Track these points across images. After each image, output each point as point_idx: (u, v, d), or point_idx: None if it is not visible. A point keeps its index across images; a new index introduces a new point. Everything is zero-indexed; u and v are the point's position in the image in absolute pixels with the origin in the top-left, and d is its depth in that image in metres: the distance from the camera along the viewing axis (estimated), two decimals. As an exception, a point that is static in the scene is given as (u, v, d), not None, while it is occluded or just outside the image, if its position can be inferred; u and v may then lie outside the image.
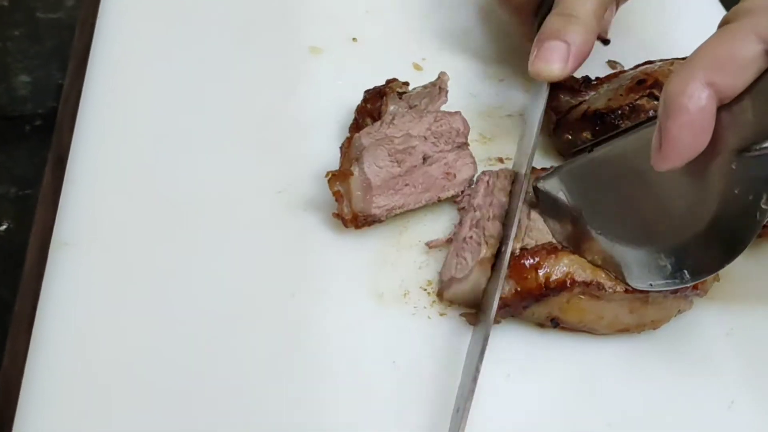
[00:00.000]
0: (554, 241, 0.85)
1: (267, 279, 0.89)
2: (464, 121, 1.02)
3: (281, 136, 1.05)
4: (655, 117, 0.71)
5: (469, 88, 1.14)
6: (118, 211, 0.93)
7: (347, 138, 0.98)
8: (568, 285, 0.83)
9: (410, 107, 1.03)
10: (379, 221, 0.95)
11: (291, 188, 0.99)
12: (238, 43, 1.17)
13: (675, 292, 0.83)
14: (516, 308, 0.85)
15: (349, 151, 0.96)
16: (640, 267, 0.79)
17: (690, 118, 0.66)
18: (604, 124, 0.95)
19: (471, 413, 0.78)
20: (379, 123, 0.98)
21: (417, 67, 1.18)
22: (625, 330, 0.87)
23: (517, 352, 0.87)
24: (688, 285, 0.78)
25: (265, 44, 1.18)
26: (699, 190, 0.73)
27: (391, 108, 1.03)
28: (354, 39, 1.21)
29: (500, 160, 1.05)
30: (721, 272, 0.81)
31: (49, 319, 0.83)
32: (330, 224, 0.95)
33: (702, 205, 0.73)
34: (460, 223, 0.94)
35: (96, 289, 0.86)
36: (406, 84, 1.07)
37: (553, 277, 0.83)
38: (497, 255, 0.87)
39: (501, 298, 0.84)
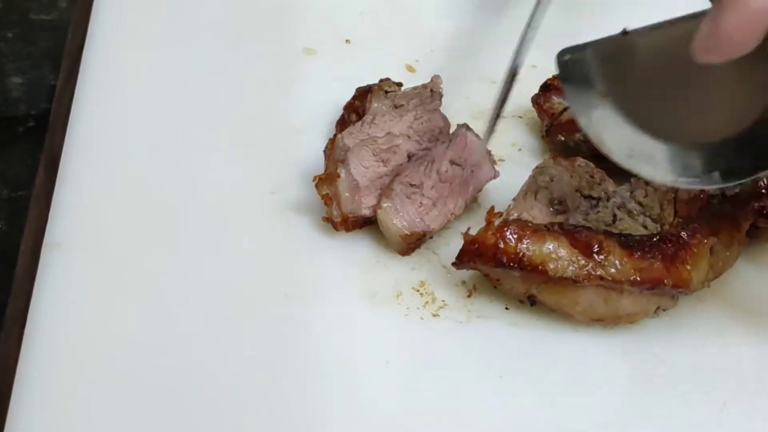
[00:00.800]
0: (548, 226, 0.85)
1: (259, 280, 0.89)
2: (444, 118, 1.02)
3: (274, 137, 1.05)
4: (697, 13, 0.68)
5: (463, 90, 1.14)
6: (110, 213, 0.93)
7: (330, 140, 0.98)
8: (539, 270, 0.83)
9: (395, 106, 1.03)
10: (370, 222, 0.95)
11: (283, 190, 0.98)
12: (231, 45, 1.17)
13: (651, 288, 0.83)
14: (488, 261, 0.84)
15: (333, 153, 0.96)
16: (669, 161, 0.75)
17: (749, 15, 0.61)
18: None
19: (463, 414, 0.79)
20: (360, 123, 0.98)
21: (410, 68, 1.18)
22: (600, 320, 0.87)
23: (510, 352, 0.86)
24: (713, 186, 0.77)
25: (259, 45, 1.18)
26: (744, 91, 0.70)
27: (375, 106, 1.03)
28: (347, 40, 1.21)
29: (494, 162, 1.04)
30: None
31: (42, 319, 0.83)
32: (322, 225, 0.94)
33: (745, 107, 0.70)
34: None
35: (88, 290, 0.86)
36: (399, 85, 1.07)
37: (528, 255, 0.83)
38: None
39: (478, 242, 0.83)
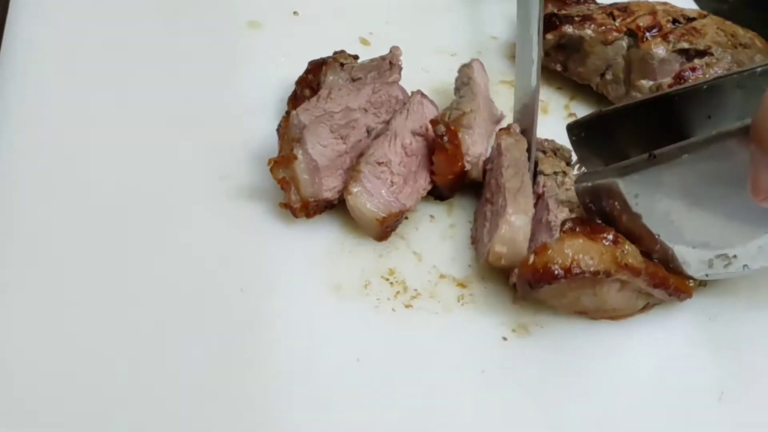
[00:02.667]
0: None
1: (213, 274, 0.81)
2: (403, 90, 0.97)
3: (220, 118, 0.97)
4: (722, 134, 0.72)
5: (421, 63, 1.07)
6: (45, 208, 0.84)
7: (283, 117, 0.90)
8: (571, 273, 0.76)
9: (353, 79, 0.96)
10: (332, 205, 0.88)
11: (234, 174, 0.91)
12: (165, 21, 1.08)
13: (656, 286, 0.80)
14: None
15: (287, 132, 0.88)
16: (701, 263, 0.80)
17: None
18: (550, 24, 1.07)
19: (445, 410, 0.74)
20: (315, 98, 0.91)
21: (364, 41, 1.11)
22: (583, 312, 0.83)
23: (492, 348, 0.80)
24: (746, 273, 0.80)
25: (196, 20, 1.09)
26: None
27: (330, 79, 0.95)
28: (295, 13, 1.13)
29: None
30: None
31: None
32: (278, 212, 0.87)
33: None
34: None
35: (26, 291, 0.77)
36: (355, 57, 0.99)
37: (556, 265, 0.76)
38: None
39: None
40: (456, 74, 1.01)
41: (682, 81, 1.01)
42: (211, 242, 0.84)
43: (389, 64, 0.98)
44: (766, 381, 0.81)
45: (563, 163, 0.92)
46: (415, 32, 1.11)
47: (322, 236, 0.86)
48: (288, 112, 0.91)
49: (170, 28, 1.07)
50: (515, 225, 0.81)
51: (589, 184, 0.80)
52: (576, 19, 1.08)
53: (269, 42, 1.07)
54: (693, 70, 1.01)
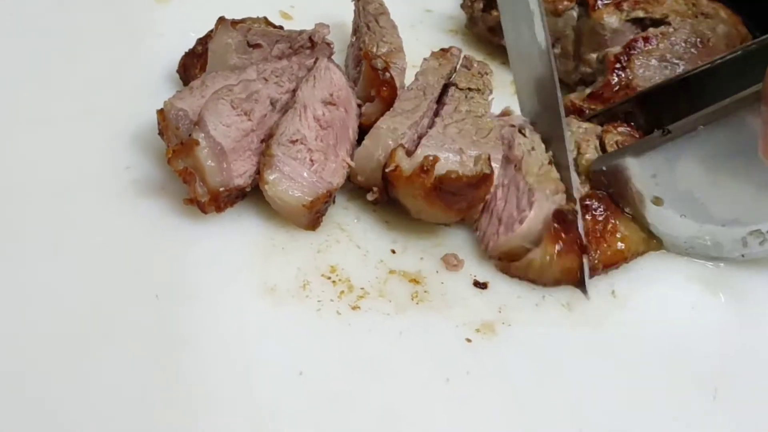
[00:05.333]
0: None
1: (122, 279, 0.71)
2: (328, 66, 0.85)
3: (124, 101, 0.86)
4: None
5: (349, 40, 0.97)
6: None
7: (158, 112, 0.77)
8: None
9: (249, 45, 0.85)
10: (244, 194, 0.77)
11: (142, 163, 0.80)
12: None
13: None
14: None
15: (167, 126, 0.76)
16: (734, 242, 0.78)
17: None
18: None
19: (406, 428, 0.64)
20: (188, 87, 0.79)
21: (285, 15, 1.02)
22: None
23: (455, 352, 0.71)
24: None
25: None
26: None
27: (218, 42, 0.85)
28: (207, -16, 1.02)
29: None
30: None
31: None
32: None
33: None
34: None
35: None
36: (267, 22, 0.89)
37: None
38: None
39: None
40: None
41: (632, 51, 0.93)
42: (117, 242, 0.74)
43: (309, 40, 0.87)
44: (759, 378, 0.75)
45: (481, 82, 0.88)
46: (342, 6, 1.00)
47: (249, 231, 0.77)
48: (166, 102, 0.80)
49: (68, 5, 0.96)
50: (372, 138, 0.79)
51: (603, 168, 0.79)
52: None
53: (177, 17, 0.99)
54: (646, 40, 0.94)
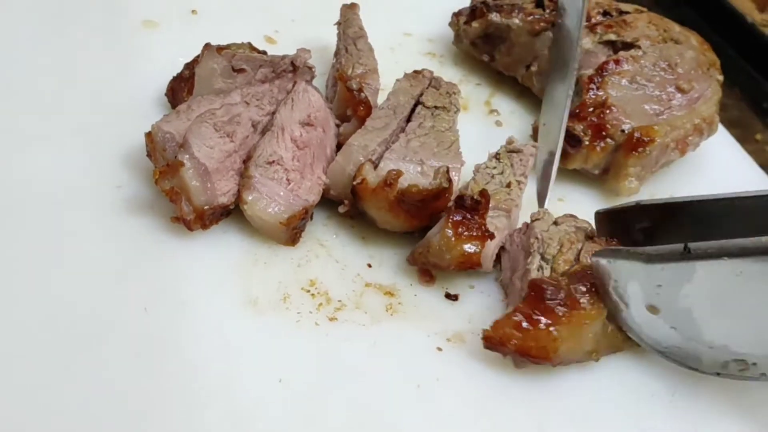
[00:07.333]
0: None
1: (113, 292, 0.73)
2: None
3: (115, 122, 0.88)
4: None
5: (332, 61, 1.00)
6: None
7: (146, 135, 0.80)
8: None
9: (234, 70, 0.88)
10: (228, 212, 0.81)
11: (133, 182, 0.83)
12: (53, 22, 0.98)
13: None
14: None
15: (155, 147, 0.79)
16: (715, 362, 0.75)
17: None
18: (478, 12, 1.05)
19: (384, 420, 0.68)
20: (186, 104, 0.83)
21: (270, 39, 1.04)
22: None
23: (426, 359, 0.74)
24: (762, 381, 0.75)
25: (87, 20, 1.00)
26: None
27: (204, 67, 0.87)
28: (194, 11, 1.05)
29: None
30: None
31: None
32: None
33: None
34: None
35: None
36: (263, 53, 0.92)
37: None
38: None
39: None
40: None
41: (605, 72, 0.96)
42: (109, 257, 0.76)
43: (291, 65, 0.91)
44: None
45: (448, 101, 0.90)
46: (324, 30, 1.03)
47: (233, 247, 0.79)
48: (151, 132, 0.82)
49: (57, 28, 0.98)
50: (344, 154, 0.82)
51: (607, 262, 0.74)
52: (505, 8, 1.04)
53: (166, 42, 1.00)
54: (617, 62, 0.97)
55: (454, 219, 0.76)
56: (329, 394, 0.69)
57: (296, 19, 1.08)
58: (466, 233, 0.76)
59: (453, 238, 0.76)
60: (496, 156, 0.86)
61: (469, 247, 0.76)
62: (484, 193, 0.78)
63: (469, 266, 0.78)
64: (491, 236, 0.77)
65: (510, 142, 0.88)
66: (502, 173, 0.84)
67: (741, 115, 1.20)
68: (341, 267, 0.80)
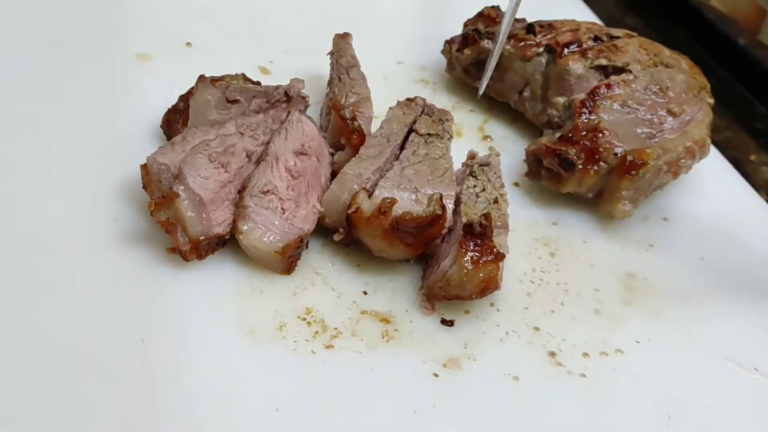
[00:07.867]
0: None
1: (110, 323, 0.73)
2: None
3: (111, 154, 0.89)
4: None
5: (325, 90, 1.01)
6: None
7: (142, 167, 0.81)
8: None
9: (228, 101, 0.89)
10: (224, 242, 0.81)
11: (129, 214, 0.83)
12: (50, 53, 1.00)
13: None
14: None
15: (150, 180, 0.80)
16: None
17: None
18: (470, 39, 1.07)
19: None
20: (180, 136, 0.83)
21: (264, 70, 1.05)
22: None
23: (422, 385, 0.74)
24: None
25: (82, 53, 1.01)
26: None
27: (199, 98, 0.88)
28: (188, 43, 1.06)
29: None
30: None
31: None
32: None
33: None
34: None
35: None
36: (257, 83, 0.92)
37: None
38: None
39: None
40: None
41: (597, 97, 0.97)
42: (106, 288, 0.77)
43: (285, 95, 0.92)
44: (710, 401, 0.78)
45: (441, 128, 0.92)
46: (317, 59, 1.04)
47: (229, 277, 0.80)
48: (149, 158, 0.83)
49: (52, 63, 0.99)
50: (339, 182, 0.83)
51: None
52: (496, 35, 1.05)
53: (160, 74, 1.01)
54: (608, 86, 0.98)
55: (468, 248, 0.77)
56: (326, 422, 0.69)
57: (290, 50, 1.09)
58: (482, 260, 0.76)
59: (471, 267, 0.76)
60: (472, 174, 0.87)
61: (488, 272, 0.77)
62: (488, 217, 0.79)
63: (490, 291, 0.78)
64: (502, 256, 0.78)
65: (472, 156, 0.90)
66: (484, 190, 0.85)
67: (735, 136, 1.20)
68: (337, 295, 0.80)
